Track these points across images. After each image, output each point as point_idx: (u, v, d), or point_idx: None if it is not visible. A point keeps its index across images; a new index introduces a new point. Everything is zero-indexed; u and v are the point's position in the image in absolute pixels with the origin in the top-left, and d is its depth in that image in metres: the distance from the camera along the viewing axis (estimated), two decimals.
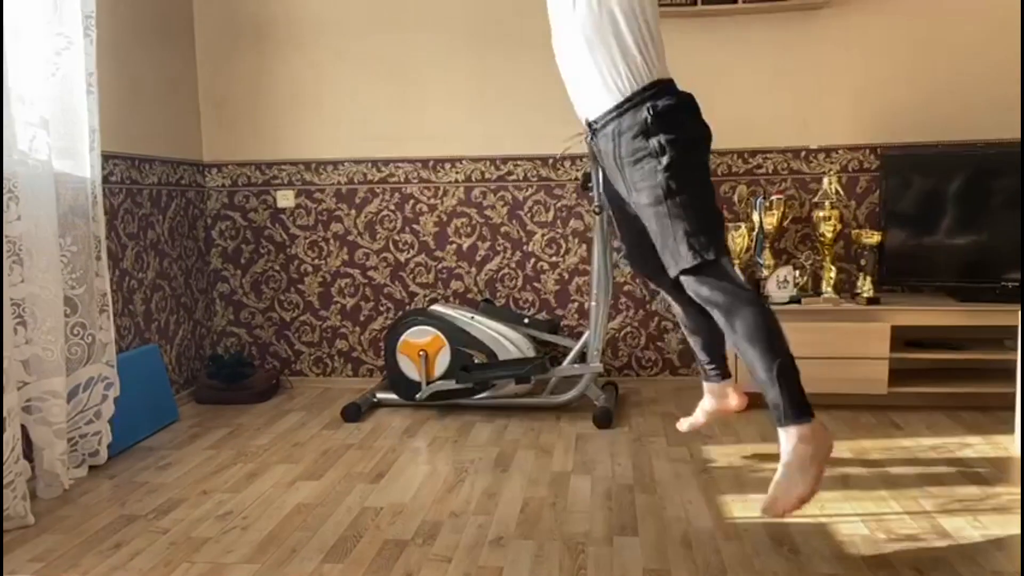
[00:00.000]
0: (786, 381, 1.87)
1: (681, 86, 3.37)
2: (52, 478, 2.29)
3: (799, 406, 1.86)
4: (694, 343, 2.40)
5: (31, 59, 2.28)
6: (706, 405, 2.48)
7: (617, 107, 1.97)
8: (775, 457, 2.29)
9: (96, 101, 2.48)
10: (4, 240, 2.11)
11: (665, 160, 1.90)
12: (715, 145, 3.24)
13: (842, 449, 2.54)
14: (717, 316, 1.92)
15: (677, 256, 1.92)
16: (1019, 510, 2.04)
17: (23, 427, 2.24)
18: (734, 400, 2.45)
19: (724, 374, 2.44)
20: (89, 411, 2.48)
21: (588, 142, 2.15)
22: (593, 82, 2.00)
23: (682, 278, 1.93)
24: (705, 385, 2.46)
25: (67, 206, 2.41)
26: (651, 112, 1.92)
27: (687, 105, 1.99)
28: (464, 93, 3.40)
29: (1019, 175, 2.94)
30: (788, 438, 1.85)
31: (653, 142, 1.91)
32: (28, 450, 2.28)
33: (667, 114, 1.92)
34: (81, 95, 2.43)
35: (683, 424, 2.53)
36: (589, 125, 2.09)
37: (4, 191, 2.13)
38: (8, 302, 2.14)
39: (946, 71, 3.17)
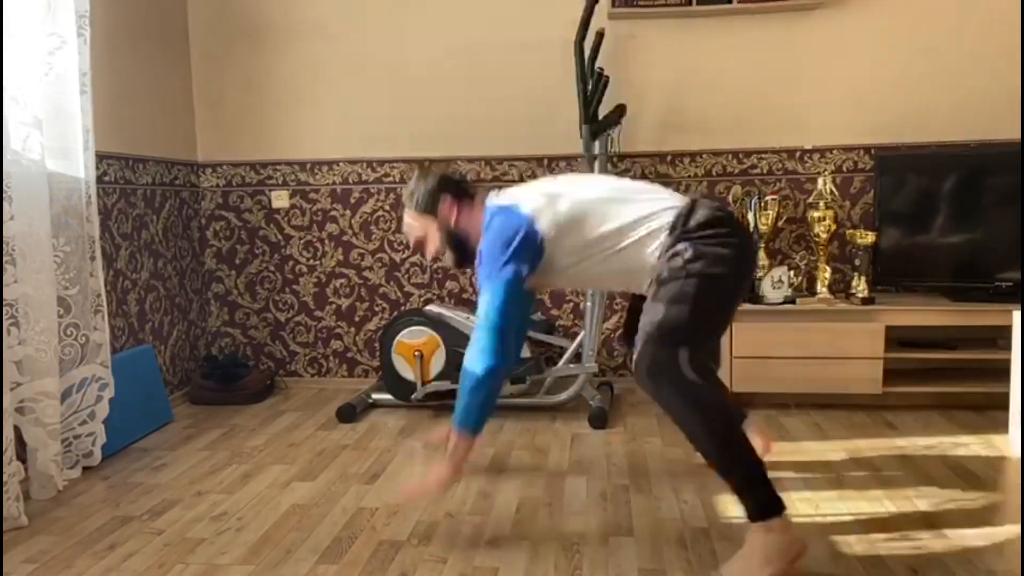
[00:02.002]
0: (748, 485, 1.72)
1: (676, 86, 3.39)
2: (46, 479, 2.28)
3: (763, 505, 1.70)
4: None
5: (24, 59, 2.27)
6: None
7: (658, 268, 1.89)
8: (772, 457, 2.30)
9: (90, 101, 2.47)
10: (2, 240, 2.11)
11: (684, 253, 1.83)
12: (710, 145, 3.31)
13: (837, 449, 2.55)
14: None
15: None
16: (1012, 509, 2.05)
17: (16, 428, 2.23)
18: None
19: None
20: (83, 412, 2.47)
21: None
22: (641, 280, 1.95)
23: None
24: None
25: (60, 206, 2.41)
26: (681, 236, 1.85)
27: (721, 220, 1.89)
28: (459, 93, 3.40)
29: (1012, 175, 2.95)
30: (753, 530, 1.72)
31: (681, 250, 1.84)
32: (21, 451, 2.27)
33: (700, 229, 1.85)
34: (75, 95, 2.42)
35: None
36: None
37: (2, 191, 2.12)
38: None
39: (940, 71, 3.18)
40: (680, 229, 1.85)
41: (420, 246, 2.17)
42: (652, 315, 1.81)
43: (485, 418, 1.93)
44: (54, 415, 2.29)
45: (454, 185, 2.11)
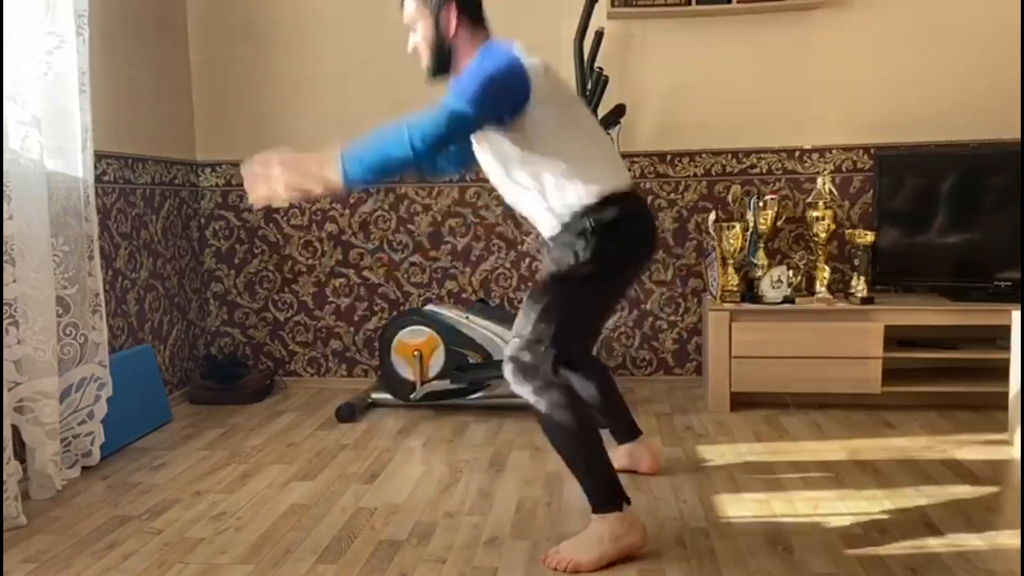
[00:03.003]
0: (589, 470, 1.86)
1: (675, 86, 3.39)
2: (44, 479, 2.28)
3: (603, 499, 1.84)
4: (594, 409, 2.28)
5: (23, 58, 2.27)
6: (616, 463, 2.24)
7: (563, 227, 1.92)
8: (772, 457, 2.30)
9: (88, 100, 2.47)
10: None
11: (582, 251, 1.85)
12: (709, 145, 3.31)
13: (836, 449, 2.55)
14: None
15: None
16: (1012, 509, 2.05)
17: (15, 428, 2.23)
18: (645, 462, 2.33)
19: (628, 435, 2.34)
20: (82, 411, 2.47)
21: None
22: (541, 218, 1.97)
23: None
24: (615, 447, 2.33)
25: (59, 205, 2.40)
26: (591, 224, 1.86)
27: (629, 219, 1.92)
28: None
29: (1011, 174, 2.95)
30: (595, 518, 1.84)
31: (585, 239, 1.86)
32: (20, 451, 2.27)
33: (607, 226, 1.87)
34: (73, 94, 2.42)
35: None
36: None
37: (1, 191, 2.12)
38: None
39: (939, 71, 3.18)
40: (594, 215, 1.85)
41: (409, 27, 1.99)
42: (529, 315, 1.87)
43: (371, 181, 1.79)
44: (52, 415, 2.29)
45: (470, 3, 1.93)
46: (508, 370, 1.88)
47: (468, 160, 2.10)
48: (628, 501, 1.85)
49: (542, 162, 1.87)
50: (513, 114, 1.82)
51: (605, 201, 1.87)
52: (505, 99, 1.80)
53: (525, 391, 1.86)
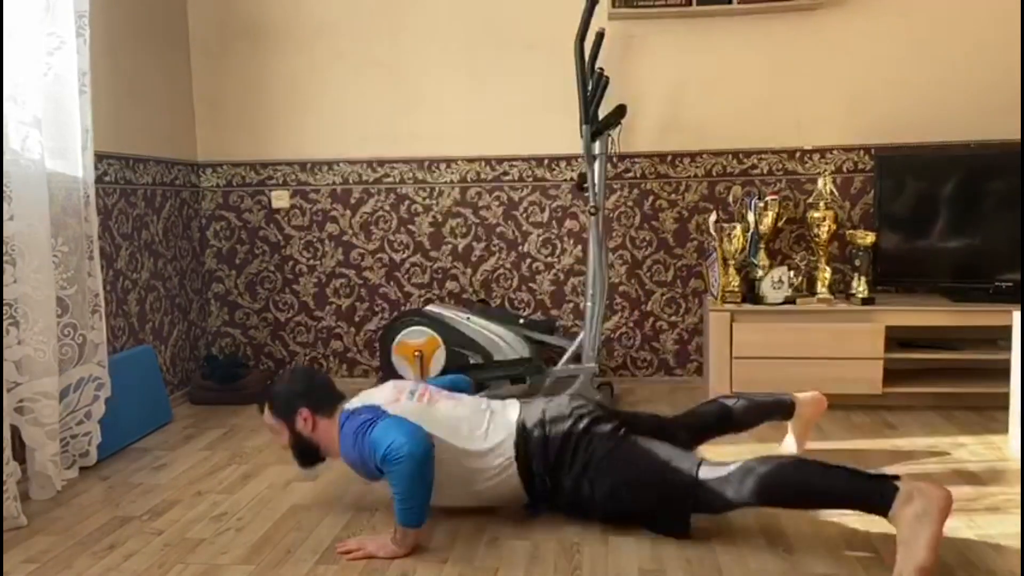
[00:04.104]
0: (842, 491, 1.81)
1: (676, 87, 3.38)
2: (44, 479, 2.28)
3: (873, 495, 1.76)
4: (748, 421, 2.35)
5: (23, 58, 2.27)
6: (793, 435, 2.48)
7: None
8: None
9: (89, 101, 2.47)
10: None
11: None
12: (710, 145, 3.31)
13: (836, 449, 2.54)
14: None
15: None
16: (1013, 509, 2.05)
17: (14, 428, 2.22)
18: (814, 414, 2.43)
19: (787, 414, 2.40)
20: (80, 412, 2.47)
21: None
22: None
23: None
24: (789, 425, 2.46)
25: (59, 206, 2.40)
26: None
27: None
28: (459, 93, 3.40)
29: (1012, 176, 2.95)
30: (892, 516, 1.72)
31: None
32: (20, 451, 2.27)
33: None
34: (74, 95, 2.42)
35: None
36: None
37: (2, 191, 2.12)
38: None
39: (940, 72, 3.18)
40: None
41: (277, 434, 2.13)
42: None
43: (425, 507, 1.86)
44: (52, 415, 2.29)
45: (316, 395, 2.08)
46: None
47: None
48: (897, 477, 1.74)
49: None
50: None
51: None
52: (395, 419, 1.91)
53: (734, 507, 1.87)
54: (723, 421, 2.30)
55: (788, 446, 2.47)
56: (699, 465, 1.89)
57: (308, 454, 2.09)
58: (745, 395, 2.39)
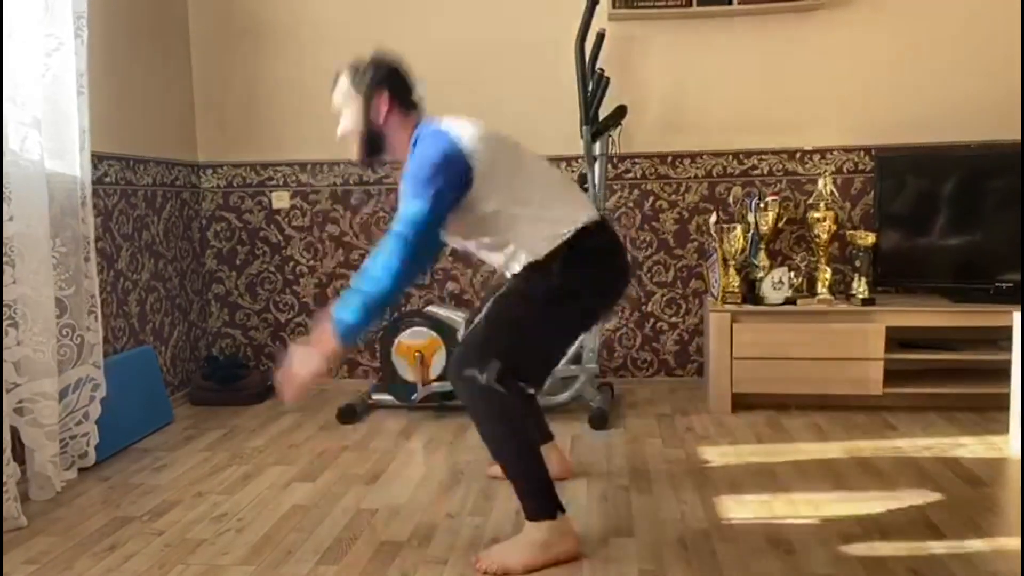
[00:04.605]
0: (527, 479, 1.84)
1: (676, 87, 3.38)
2: (44, 480, 2.27)
3: (537, 508, 1.82)
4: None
5: (22, 60, 2.27)
6: None
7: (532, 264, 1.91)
8: (773, 458, 2.30)
9: (86, 102, 2.47)
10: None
11: (554, 276, 1.84)
12: (710, 146, 3.31)
13: (837, 450, 2.54)
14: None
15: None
16: (1013, 510, 2.05)
17: (13, 429, 2.22)
18: (554, 467, 2.11)
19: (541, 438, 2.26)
20: (78, 412, 2.47)
21: None
22: (513, 265, 1.95)
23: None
24: None
25: (58, 207, 2.40)
26: (562, 260, 1.86)
27: (599, 250, 1.91)
28: (459, 94, 3.39)
29: (1012, 176, 2.95)
30: (527, 526, 1.83)
31: (555, 269, 1.85)
32: (19, 452, 2.27)
33: (578, 258, 1.87)
34: (72, 96, 2.42)
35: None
36: None
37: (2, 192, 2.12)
38: None
39: (940, 72, 3.18)
40: (567, 250, 1.84)
41: (338, 114, 2.02)
42: (487, 326, 1.87)
43: (363, 326, 1.80)
44: (51, 416, 2.29)
45: (401, 85, 1.95)
46: (451, 373, 1.85)
47: (439, 247, 2.15)
48: (563, 509, 1.83)
49: (504, 227, 1.88)
50: (460, 199, 1.84)
51: (574, 239, 1.86)
52: (448, 192, 1.81)
53: (464, 396, 1.83)
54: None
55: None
56: (506, 374, 1.79)
57: (373, 143, 1.95)
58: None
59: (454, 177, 1.81)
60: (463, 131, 1.87)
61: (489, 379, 1.76)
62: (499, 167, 1.87)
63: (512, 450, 1.85)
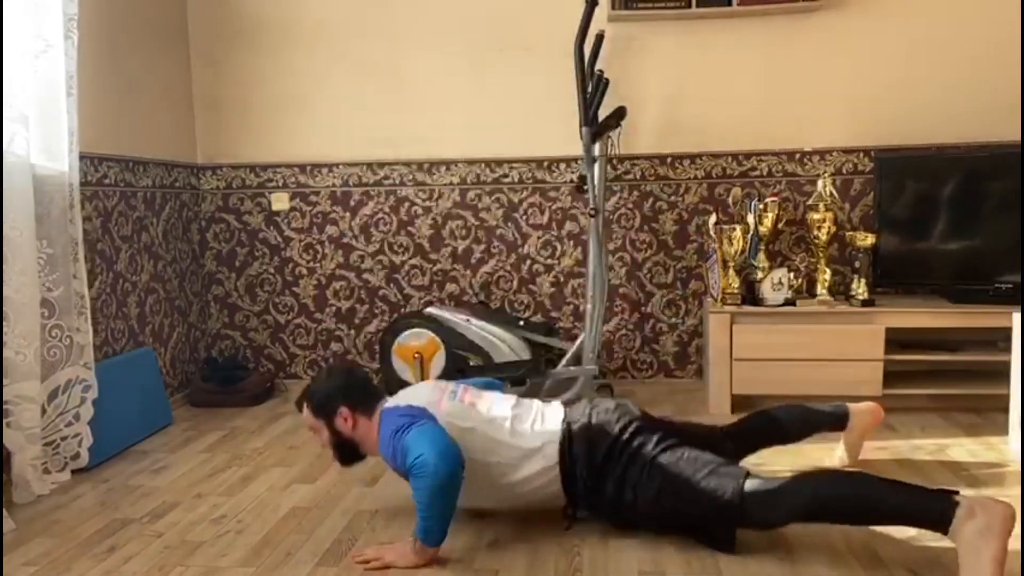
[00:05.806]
0: (903, 513, 1.74)
1: (676, 89, 3.39)
2: (23, 483, 2.26)
3: (934, 510, 1.69)
4: (797, 431, 2.28)
5: (10, 60, 2.26)
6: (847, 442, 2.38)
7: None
8: (772, 458, 2.30)
9: (76, 103, 2.46)
10: None
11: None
12: (710, 147, 3.32)
13: (837, 450, 2.54)
14: None
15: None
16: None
17: None
18: (868, 421, 2.31)
19: (839, 424, 2.31)
20: (68, 414, 2.46)
21: None
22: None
23: None
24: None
25: (46, 208, 2.40)
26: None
27: None
28: (459, 95, 3.40)
29: (1012, 177, 2.95)
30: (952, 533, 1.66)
31: None
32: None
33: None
34: (61, 97, 2.42)
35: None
36: None
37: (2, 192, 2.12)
38: None
39: (940, 74, 3.19)
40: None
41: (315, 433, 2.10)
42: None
43: (445, 525, 1.83)
44: (33, 418, 2.28)
45: (357, 394, 2.05)
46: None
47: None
48: (955, 491, 1.68)
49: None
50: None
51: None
52: (423, 418, 1.88)
53: (784, 523, 1.81)
54: (770, 431, 2.23)
55: (838, 459, 2.39)
56: (745, 477, 1.81)
57: (348, 452, 2.07)
58: (795, 405, 2.31)
59: (420, 412, 1.91)
60: (411, 398, 2.02)
61: (736, 497, 1.79)
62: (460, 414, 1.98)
63: (852, 511, 1.76)
